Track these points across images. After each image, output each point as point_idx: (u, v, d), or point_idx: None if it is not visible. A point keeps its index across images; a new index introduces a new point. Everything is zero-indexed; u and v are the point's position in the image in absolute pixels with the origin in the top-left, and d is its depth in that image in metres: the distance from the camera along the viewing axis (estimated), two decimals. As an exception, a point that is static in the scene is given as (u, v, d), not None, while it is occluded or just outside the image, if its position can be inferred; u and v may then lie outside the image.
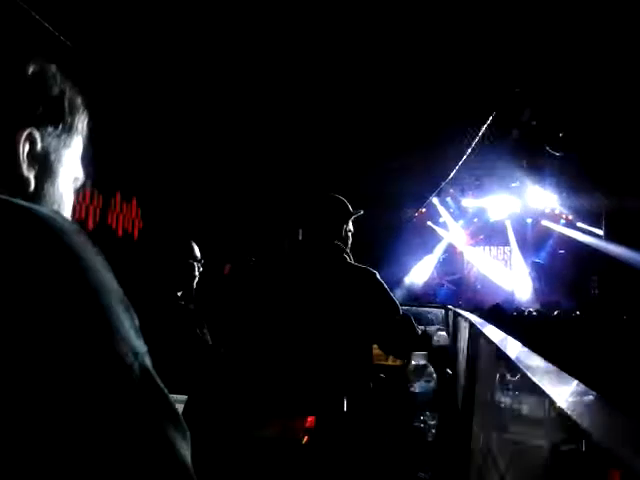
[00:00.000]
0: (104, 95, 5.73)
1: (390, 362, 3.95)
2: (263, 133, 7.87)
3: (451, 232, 15.67)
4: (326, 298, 2.60)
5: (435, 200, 15.34)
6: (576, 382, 0.98)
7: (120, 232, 6.87)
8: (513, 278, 15.09)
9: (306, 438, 2.38)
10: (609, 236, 12.88)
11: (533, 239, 15.26)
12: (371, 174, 9.70)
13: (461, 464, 2.58)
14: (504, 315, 8.92)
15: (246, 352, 2.66)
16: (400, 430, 3.16)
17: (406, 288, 14.22)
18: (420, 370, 3.33)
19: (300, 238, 2.79)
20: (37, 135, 0.86)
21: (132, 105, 6.29)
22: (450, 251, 15.90)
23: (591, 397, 0.79)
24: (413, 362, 3.30)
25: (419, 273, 15.14)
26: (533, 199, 14.57)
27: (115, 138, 6.21)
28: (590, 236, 13.68)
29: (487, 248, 15.92)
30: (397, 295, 3.10)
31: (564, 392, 0.91)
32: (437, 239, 15.83)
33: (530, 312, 9.64)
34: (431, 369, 3.36)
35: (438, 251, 15.66)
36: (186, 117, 6.93)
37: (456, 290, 15.04)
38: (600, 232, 13.29)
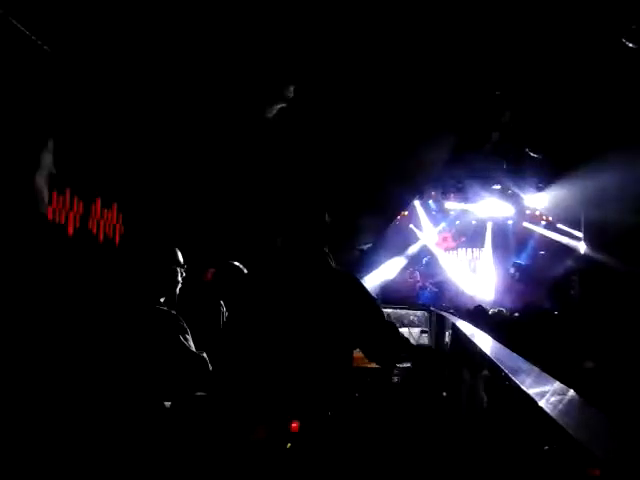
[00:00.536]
0: (84, 100, 5.69)
1: (374, 364, 3.97)
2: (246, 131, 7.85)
3: (426, 234, 15.74)
4: (310, 304, 2.60)
5: (416, 202, 15.41)
6: (556, 382, 0.99)
7: (101, 238, 6.81)
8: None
9: (289, 444, 2.37)
10: (587, 237, 13.08)
11: (514, 240, 15.41)
12: (354, 177, 9.72)
13: (447, 466, 2.59)
14: (486, 316, 8.99)
15: (231, 358, 2.65)
16: (386, 430, 3.17)
17: (379, 288, 14.29)
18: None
19: (281, 243, 2.78)
20: None
21: (113, 110, 6.24)
22: (433, 253, 15.98)
23: (570, 397, 0.80)
24: (398, 365, 3.33)
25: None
26: (514, 201, 14.75)
27: (95, 144, 6.17)
28: (569, 238, 13.91)
29: (469, 250, 16.04)
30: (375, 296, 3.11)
31: (544, 392, 0.93)
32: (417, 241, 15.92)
33: (512, 313, 9.72)
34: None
35: (411, 252, 15.67)
36: (166, 120, 6.90)
37: (439, 292, 15.11)
38: (579, 234, 13.54)
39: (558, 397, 0.85)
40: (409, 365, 5.03)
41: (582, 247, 13.25)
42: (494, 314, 9.44)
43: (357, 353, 2.77)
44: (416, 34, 6.71)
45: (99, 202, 6.80)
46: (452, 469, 2.81)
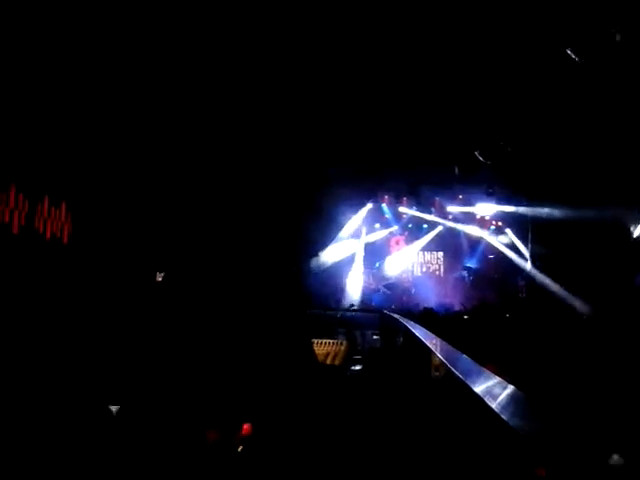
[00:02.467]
0: (31, 94, 5.52)
1: (329, 361, 4.08)
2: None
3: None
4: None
5: (369, 205, 15.58)
6: (507, 384, 1.01)
7: (48, 236, 6.61)
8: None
9: (241, 447, 2.36)
10: (534, 242, 13.56)
11: (465, 244, 15.70)
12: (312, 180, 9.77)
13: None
14: (436, 317, 9.14)
15: (182, 360, 2.61)
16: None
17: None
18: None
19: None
20: None
21: (61, 105, 6.08)
22: (387, 256, 16.14)
23: (518, 396, 0.83)
24: (351, 367, 3.42)
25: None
26: (465, 205, 15.12)
27: (44, 141, 5.99)
28: (510, 249, 14.57)
29: (421, 253, 16.23)
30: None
31: (492, 392, 0.95)
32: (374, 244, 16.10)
33: (460, 315, 9.91)
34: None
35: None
36: (116, 116, 6.75)
37: (391, 294, 15.26)
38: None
39: (506, 397, 0.88)
40: (360, 368, 5.08)
41: (528, 265, 13.94)
42: (445, 314, 9.62)
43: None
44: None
45: (47, 201, 6.61)
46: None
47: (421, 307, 12.21)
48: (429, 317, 8.40)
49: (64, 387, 2.52)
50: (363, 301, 14.82)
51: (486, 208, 14.80)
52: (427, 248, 16.11)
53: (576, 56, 6.53)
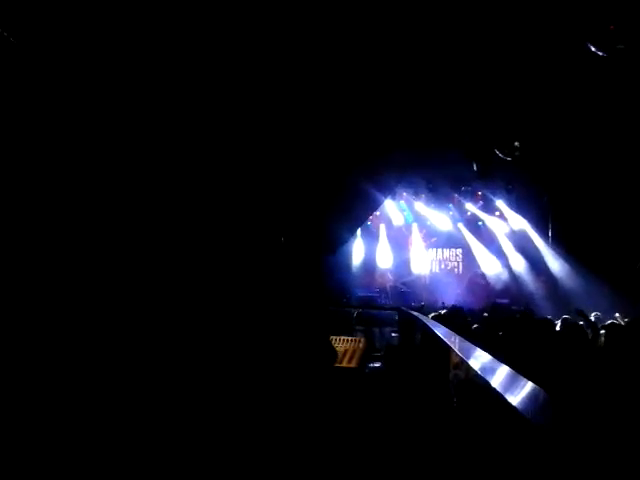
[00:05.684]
0: (42, 99, 5.58)
1: (345, 364, 4.07)
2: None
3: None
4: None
5: (389, 202, 15.53)
6: (530, 384, 1.00)
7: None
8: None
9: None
10: (555, 238, 13.45)
11: (484, 241, 15.61)
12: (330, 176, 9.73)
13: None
14: (463, 316, 9.05)
15: (194, 358, 2.64)
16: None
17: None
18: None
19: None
20: None
21: (67, 109, 6.13)
22: (405, 253, 16.10)
23: (539, 393, 0.82)
24: (370, 364, 3.42)
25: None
26: (484, 202, 15.05)
27: (49, 145, 6.05)
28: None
29: (439, 250, 16.17)
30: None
31: (512, 388, 0.94)
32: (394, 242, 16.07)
33: (481, 312, 9.83)
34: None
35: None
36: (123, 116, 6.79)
37: (410, 292, 15.23)
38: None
39: (530, 398, 0.87)
40: (379, 365, 5.08)
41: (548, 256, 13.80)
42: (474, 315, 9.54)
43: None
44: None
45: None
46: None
47: (439, 304, 12.16)
48: (455, 315, 8.15)
49: (67, 387, 2.55)
50: (381, 298, 14.84)
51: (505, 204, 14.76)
52: (445, 245, 16.03)
53: (599, 50, 6.42)
